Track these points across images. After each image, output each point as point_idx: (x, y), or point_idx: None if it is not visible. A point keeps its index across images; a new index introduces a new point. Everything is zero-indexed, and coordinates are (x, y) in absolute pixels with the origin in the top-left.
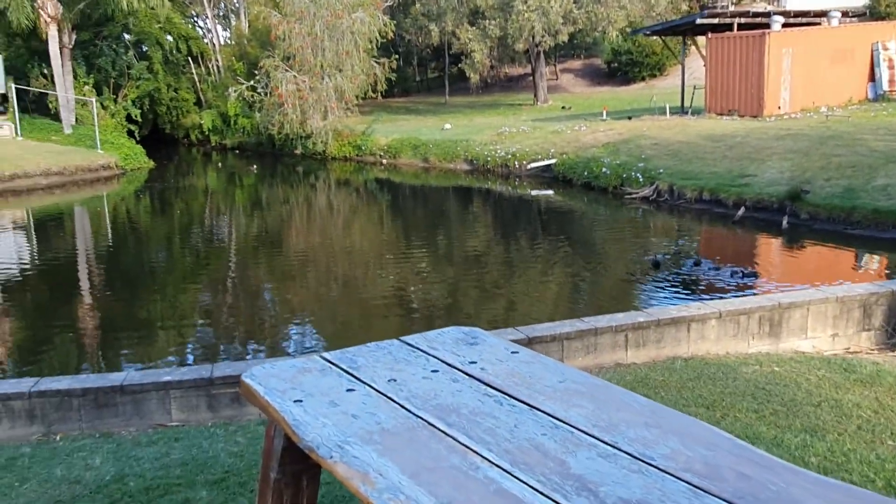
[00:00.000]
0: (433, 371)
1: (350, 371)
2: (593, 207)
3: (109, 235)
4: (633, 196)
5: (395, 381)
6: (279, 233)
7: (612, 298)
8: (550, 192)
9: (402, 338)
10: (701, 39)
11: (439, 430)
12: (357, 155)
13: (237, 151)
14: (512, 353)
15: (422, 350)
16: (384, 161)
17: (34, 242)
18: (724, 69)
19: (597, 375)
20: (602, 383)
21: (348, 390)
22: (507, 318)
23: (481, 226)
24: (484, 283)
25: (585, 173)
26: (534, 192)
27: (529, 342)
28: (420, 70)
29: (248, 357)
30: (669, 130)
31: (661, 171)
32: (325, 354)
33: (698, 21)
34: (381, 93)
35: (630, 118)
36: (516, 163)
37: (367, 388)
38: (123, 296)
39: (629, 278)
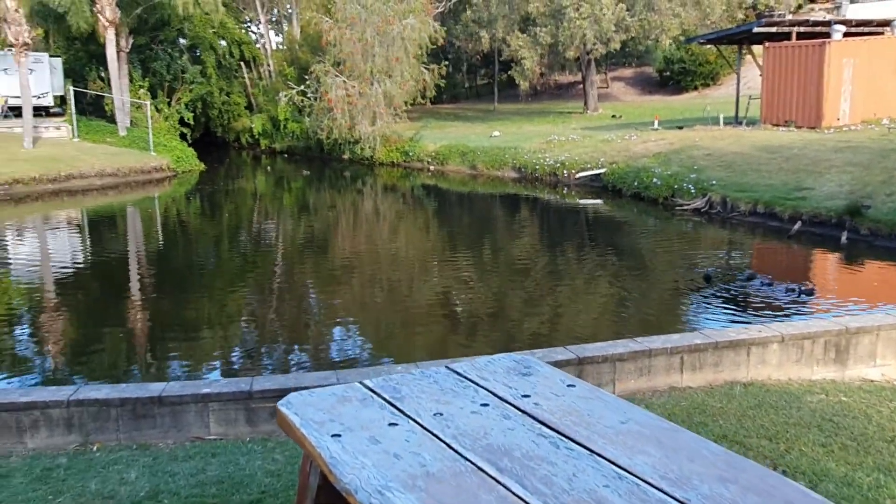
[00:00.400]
0: (483, 405)
1: (393, 402)
2: (643, 218)
3: (160, 236)
4: (685, 208)
5: (441, 415)
6: (326, 237)
7: (661, 313)
8: (599, 201)
9: (450, 364)
10: (758, 48)
11: (490, 476)
12: (404, 161)
13: (286, 155)
14: (568, 386)
15: (470, 380)
16: (431, 167)
17: (87, 242)
18: (781, 79)
19: (650, 399)
20: (669, 426)
21: (391, 424)
22: (551, 330)
23: (528, 235)
24: (530, 293)
25: (635, 183)
26: (582, 202)
27: (580, 363)
28: (469, 77)
29: (290, 362)
30: (723, 141)
31: (714, 182)
32: (367, 382)
33: (755, 30)
34: (430, 99)
35: (681, 128)
36: (565, 171)
37: (411, 422)
38: (171, 296)
39: (679, 292)
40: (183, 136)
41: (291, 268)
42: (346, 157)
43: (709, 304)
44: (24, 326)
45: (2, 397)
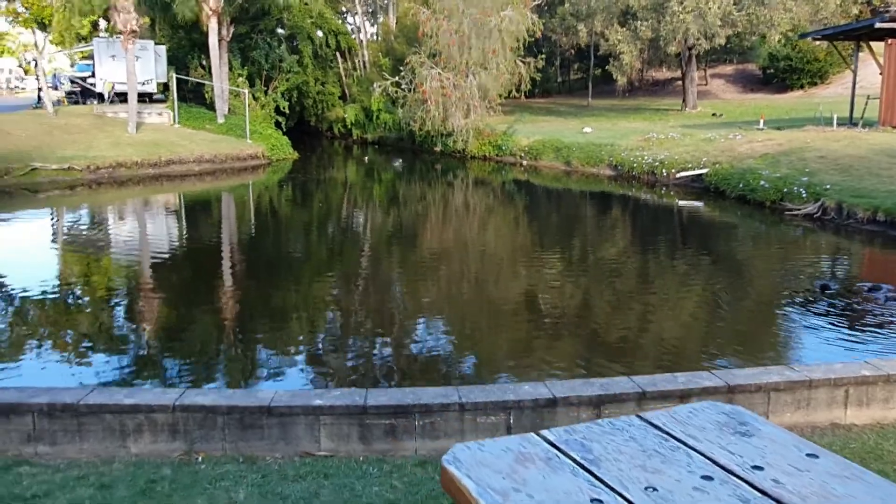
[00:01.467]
0: (705, 478)
1: (587, 465)
2: (748, 223)
3: (252, 224)
4: (795, 213)
5: (654, 490)
6: (414, 230)
7: (769, 326)
8: (700, 203)
9: (643, 415)
10: (877, 45)
11: None
12: (497, 155)
13: (377, 146)
14: (808, 455)
15: (676, 438)
16: (524, 162)
17: (183, 227)
18: None
19: (810, 438)
20: None
21: (593, 501)
22: (646, 340)
23: (624, 236)
24: (624, 298)
25: (741, 185)
26: (682, 203)
27: (730, 391)
28: (562, 71)
29: (375, 355)
30: (837, 143)
31: (828, 186)
32: (546, 434)
33: (878, 25)
34: (525, 93)
35: (779, 128)
36: (664, 171)
37: (619, 498)
38: (260, 283)
39: (792, 303)
40: (278, 125)
41: (379, 259)
42: (437, 149)
43: (828, 317)
44: (120, 307)
45: (106, 398)
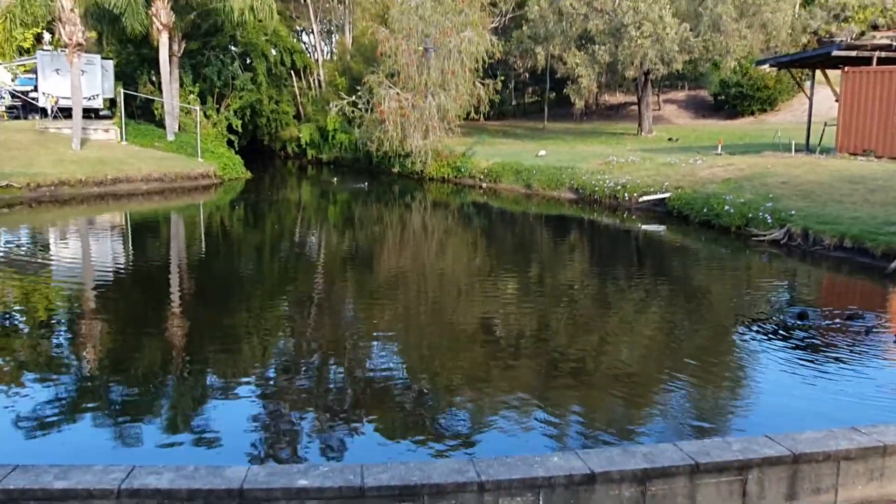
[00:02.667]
0: None
1: None
2: (712, 248)
3: (203, 245)
4: (761, 238)
5: None
6: (373, 255)
7: (741, 356)
8: (663, 228)
9: None
10: (832, 73)
11: None
12: (455, 177)
13: (333, 166)
14: None
15: None
16: (483, 185)
17: (130, 249)
18: (860, 106)
19: None
20: None
21: None
22: (606, 366)
23: (586, 260)
24: (588, 326)
25: (705, 210)
26: (645, 227)
27: (795, 460)
28: (517, 94)
29: (330, 380)
30: (798, 169)
31: (794, 212)
32: None
33: (835, 53)
34: (484, 114)
35: (736, 154)
36: (626, 195)
37: None
38: (211, 306)
39: (765, 333)
40: (230, 143)
41: (333, 284)
42: (395, 170)
43: (809, 348)
44: (62, 331)
45: (30, 480)
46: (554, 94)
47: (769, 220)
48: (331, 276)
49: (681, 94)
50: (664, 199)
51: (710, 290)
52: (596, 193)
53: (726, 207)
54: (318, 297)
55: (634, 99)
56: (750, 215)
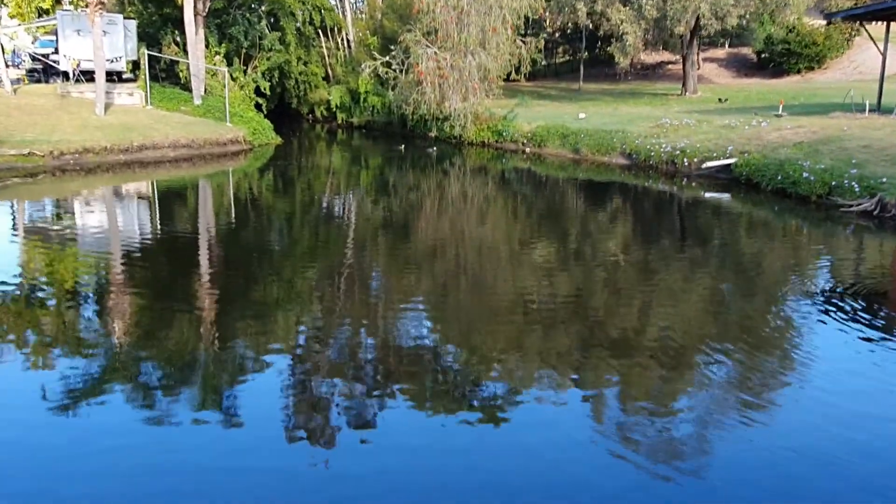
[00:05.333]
0: None
1: None
2: (788, 219)
3: (233, 214)
4: (849, 209)
5: None
6: (406, 221)
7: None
8: (727, 195)
9: None
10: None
11: None
12: (497, 141)
13: (364, 130)
14: None
15: None
16: (527, 149)
17: (157, 217)
18: None
19: None
20: None
21: None
22: (672, 351)
23: (642, 232)
24: (648, 303)
25: (779, 177)
26: (707, 195)
27: None
28: (547, 54)
29: (360, 347)
30: (878, 131)
31: (885, 180)
32: None
33: None
34: (525, 75)
35: (786, 115)
36: (685, 160)
37: None
38: (241, 277)
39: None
40: (258, 107)
41: (367, 252)
42: (432, 134)
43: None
44: (90, 303)
45: None
46: (587, 54)
47: (856, 189)
48: (364, 244)
49: (721, 52)
50: (729, 164)
51: (792, 266)
52: (651, 159)
53: (804, 174)
54: (350, 266)
55: (672, 58)
56: (833, 183)
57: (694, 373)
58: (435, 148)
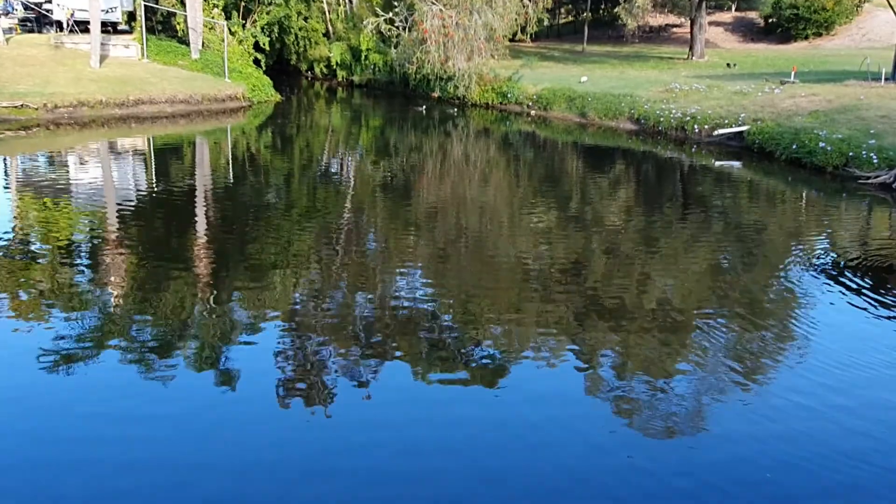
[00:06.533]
0: None
1: None
2: (801, 189)
3: (231, 172)
4: (866, 181)
5: None
6: (406, 183)
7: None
8: (738, 163)
9: None
10: None
11: None
12: (501, 103)
13: (365, 89)
14: None
15: None
16: (532, 112)
17: (153, 174)
18: None
19: None
20: None
21: None
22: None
23: (650, 200)
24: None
25: (793, 146)
26: (717, 163)
27: None
28: (549, 14)
29: (356, 311)
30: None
31: None
32: None
33: None
34: (530, 35)
35: (798, 82)
36: (696, 126)
37: None
38: (238, 236)
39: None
40: (256, 63)
41: (366, 214)
42: (435, 95)
43: None
44: (84, 261)
45: None
46: (591, 15)
47: (874, 160)
48: (363, 205)
49: (727, 16)
50: (742, 132)
51: (802, 237)
52: (661, 125)
53: (821, 144)
54: (349, 227)
55: (677, 20)
56: (851, 154)
57: (692, 342)
58: (425, 106)
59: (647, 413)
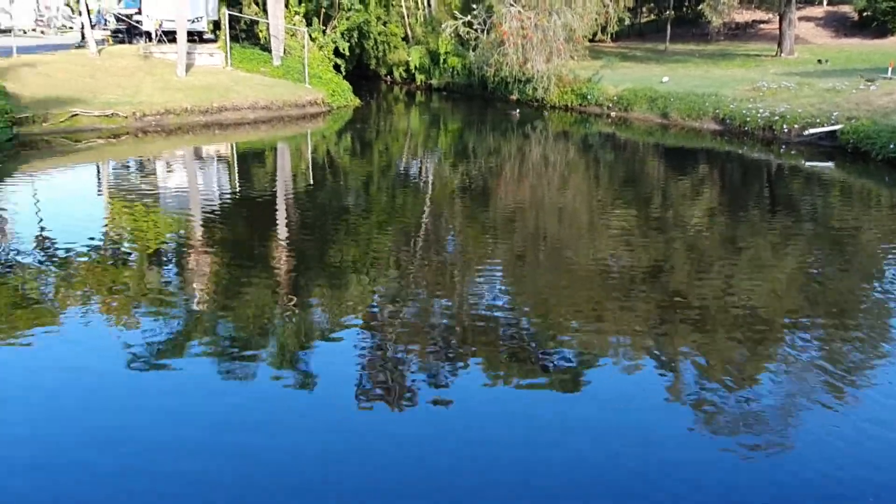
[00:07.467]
0: None
1: None
2: None
3: (311, 177)
4: None
5: None
6: (485, 186)
7: None
8: (830, 164)
9: None
10: None
11: None
12: (580, 104)
13: (444, 92)
14: None
15: None
16: (612, 113)
17: (236, 179)
18: None
19: None
20: None
21: None
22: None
23: (736, 202)
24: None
25: (891, 146)
26: (808, 164)
27: None
28: (630, 13)
29: (435, 313)
30: None
31: None
32: None
33: None
34: (611, 35)
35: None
36: (785, 126)
37: None
38: (318, 239)
39: None
40: (336, 68)
41: (445, 217)
42: (513, 97)
43: None
44: (170, 264)
45: None
46: (673, 12)
47: None
48: (441, 208)
49: (818, 11)
50: (835, 131)
51: None
52: (747, 124)
53: None
54: (428, 230)
55: (764, 16)
56: None
57: (779, 350)
58: (518, 111)
59: (728, 423)
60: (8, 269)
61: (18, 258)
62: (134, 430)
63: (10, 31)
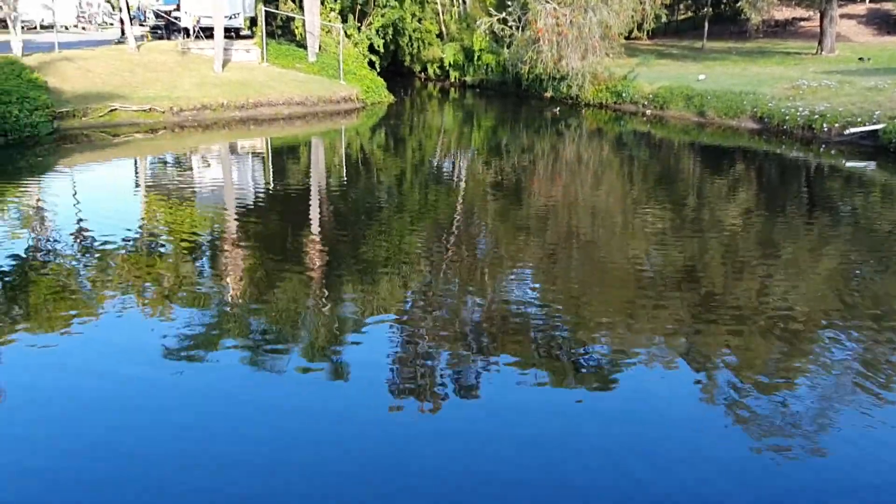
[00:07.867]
0: None
1: None
2: None
3: (344, 173)
4: None
5: None
6: (518, 184)
7: None
8: (872, 164)
9: None
10: None
11: None
12: (615, 102)
13: (477, 89)
14: None
15: None
16: (648, 111)
17: (270, 173)
18: None
19: None
20: None
21: None
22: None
23: (773, 202)
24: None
25: None
26: (848, 164)
27: None
28: (667, 10)
29: (467, 310)
30: None
31: None
32: None
33: None
34: (647, 32)
35: None
36: (825, 125)
37: None
38: (351, 235)
39: None
40: (371, 65)
41: (478, 215)
42: (548, 95)
43: None
44: (205, 257)
45: None
46: (711, 9)
47: None
48: (474, 206)
49: (860, 8)
50: (877, 130)
51: None
52: (786, 123)
53: None
54: (460, 227)
55: (804, 14)
56: None
57: (814, 351)
58: (559, 108)
59: (763, 427)
60: (47, 261)
61: (58, 248)
62: (166, 413)
63: (52, 27)
